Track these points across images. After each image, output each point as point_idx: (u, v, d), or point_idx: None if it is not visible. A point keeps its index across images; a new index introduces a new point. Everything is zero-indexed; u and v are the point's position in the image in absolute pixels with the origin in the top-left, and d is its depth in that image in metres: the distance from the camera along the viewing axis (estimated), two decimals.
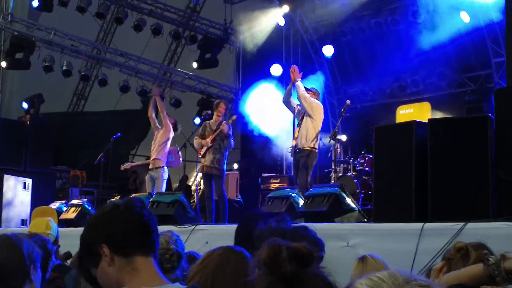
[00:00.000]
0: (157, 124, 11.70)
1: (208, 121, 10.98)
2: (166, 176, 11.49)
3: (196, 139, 10.96)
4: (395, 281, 1.29)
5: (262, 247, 1.61)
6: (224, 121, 10.68)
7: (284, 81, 16.24)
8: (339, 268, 4.69)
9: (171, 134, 11.59)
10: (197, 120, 18.26)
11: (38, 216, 5.44)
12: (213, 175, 10.47)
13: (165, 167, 11.49)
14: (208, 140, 10.54)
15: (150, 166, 11.53)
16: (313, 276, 1.61)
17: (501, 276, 2.62)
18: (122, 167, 12.44)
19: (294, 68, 10.27)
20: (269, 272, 1.59)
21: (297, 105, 10.31)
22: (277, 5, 16.97)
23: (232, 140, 10.60)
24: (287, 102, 10.41)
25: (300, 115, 10.18)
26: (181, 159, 14.03)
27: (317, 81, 13.88)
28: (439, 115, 14.86)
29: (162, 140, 11.47)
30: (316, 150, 9.98)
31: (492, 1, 13.40)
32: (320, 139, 10.65)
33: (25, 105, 16.92)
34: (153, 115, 11.71)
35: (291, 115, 11.40)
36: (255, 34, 17.35)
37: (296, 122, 10.46)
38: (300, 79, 10.19)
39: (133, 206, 2.29)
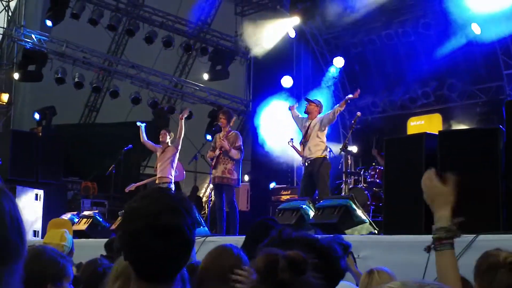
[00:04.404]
0: (155, 145, 11.81)
1: (218, 133, 10.96)
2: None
3: (208, 153, 11.02)
4: None
5: (258, 256, 1.63)
6: (231, 131, 10.64)
7: (295, 92, 16.27)
8: (350, 280, 4.69)
9: (177, 153, 11.65)
10: (209, 137, 18.32)
11: (54, 228, 5.46)
12: (224, 185, 10.41)
13: (172, 182, 11.52)
14: (216, 152, 10.53)
15: (157, 181, 11.53)
16: (306, 284, 1.62)
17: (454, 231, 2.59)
18: (127, 189, 12.39)
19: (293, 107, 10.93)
20: (264, 280, 1.60)
21: (302, 118, 10.57)
22: (288, 17, 17.02)
23: (235, 151, 10.41)
24: (295, 118, 10.85)
25: (304, 128, 10.30)
26: (184, 172, 14.07)
27: (325, 93, 13.92)
28: (450, 127, 14.84)
29: (168, 156, 11.49)
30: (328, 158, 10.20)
31: (503, 13, 13.38)
32: (330, 151, 10.71)
33: (36, 116, 17.00)
34: (147, 140, 11.92)
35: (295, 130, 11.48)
36: (265, 46, 17.40)
37: (299, 139, 10.56)
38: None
39: None
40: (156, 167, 11.72)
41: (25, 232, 1.36)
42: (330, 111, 10.31)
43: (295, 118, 10.82)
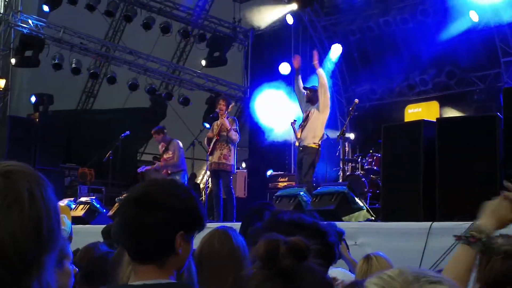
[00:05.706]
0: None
1: (216, 121, 10.95)
2: (186, 179, 11.74)
3: (206, 138, 11.02)
4: (405, 278, 1.30)
5: (259, 242, 1.63)
6: (228, 117, 10.64)
7: (292, 79, 16.22)
8: (346, 267, 4.69)
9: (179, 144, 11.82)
10: (207, 125, 18.30)
11: None
12: (221, 171, 10.43)
13: (184, 171, 11.68)
14: (214, 133, 10.54)
15: (169, 172, 11.62)
16: (308, 270, 1.62)
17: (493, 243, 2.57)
18: (139, 170, 12.42)
19: (297, 57, 10.47)
20: (265, 266, 1.60)
21: (304, 94, 10.30)
22: (286, 3, 16.96)
23: (234, 132, 10.43)
24: (298, 92, 10.45)
25: (305, 112, 10.15)
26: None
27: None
28: (447, 114, 14.84)
29: (172, 147, 11.64)
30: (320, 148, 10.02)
31: (501, 0, 13.35)
32: (328, 138, 10.64)
33: (33, 98, 16.97)
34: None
35: (297, 113, 11.28)
36: (263, 33, 17.35)
37: (299, 122, 10.40)
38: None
39: None
40: (163, 157, 11.77)
41: (61, 222, 1.49)
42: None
43: (298, 92, 10.44)
